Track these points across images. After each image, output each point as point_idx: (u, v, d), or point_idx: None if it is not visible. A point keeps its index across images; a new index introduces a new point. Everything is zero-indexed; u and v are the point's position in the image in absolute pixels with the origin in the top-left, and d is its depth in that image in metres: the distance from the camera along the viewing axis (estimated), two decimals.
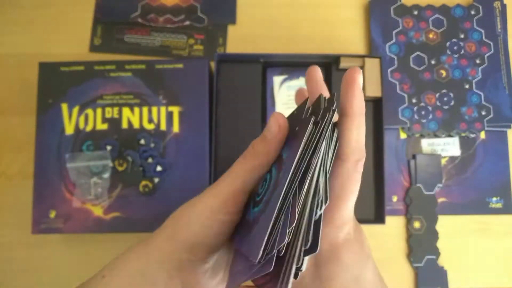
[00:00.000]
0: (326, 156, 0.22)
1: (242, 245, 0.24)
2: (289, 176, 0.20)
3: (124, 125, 0.50)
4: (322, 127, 0.21)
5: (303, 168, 0.21)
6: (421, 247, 0.52)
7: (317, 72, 0.29)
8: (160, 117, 0.50)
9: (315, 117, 0.21)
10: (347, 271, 0.23)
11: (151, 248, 0.26)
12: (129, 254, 0.27)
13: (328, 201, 0.22)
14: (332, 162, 0.23)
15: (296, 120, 0.24)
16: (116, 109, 0.51)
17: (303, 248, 0.20)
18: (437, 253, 0.52)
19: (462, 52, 0.55)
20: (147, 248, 0.26)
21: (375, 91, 0.49)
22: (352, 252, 0.23)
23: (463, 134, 0.54)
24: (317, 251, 0.21)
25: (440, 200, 0.54)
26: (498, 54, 0.55)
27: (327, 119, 0.21)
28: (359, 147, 0.23)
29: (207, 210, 0.25)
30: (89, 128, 0.50)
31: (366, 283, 0.23)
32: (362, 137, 0.23)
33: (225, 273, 0.29)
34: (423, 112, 0.54)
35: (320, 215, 0.22)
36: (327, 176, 0.22)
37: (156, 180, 0.49)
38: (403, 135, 0.55)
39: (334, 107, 0.22)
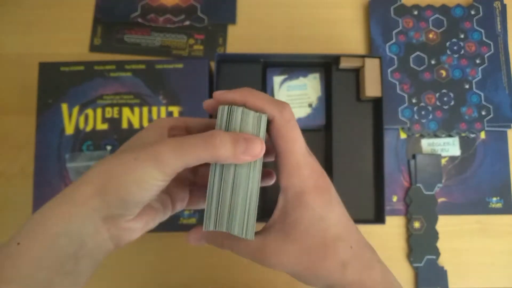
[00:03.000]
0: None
1: None
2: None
3: (124, 125, 0.50)
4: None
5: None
6: (421, 247, 0.52)
7: (221, 95, 0.27)
8: (160, 117, 0.50)
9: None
10: (312, 211, 0.25)
11: (76, 204, 0.24)
12: (48, 213, 0.24)
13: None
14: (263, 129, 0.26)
15: None
16: (116, 109, 0.51)
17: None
18: (437, 253, 0.52)
19: (462, 52, 0.55)
20: (70, 204, 0.24)
21: (375, 91, 0.49)
22: (316, 196, 0.25)
23: (463, 134, 0.54)
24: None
25: (440, 200, 0.54)
26: (498, 54, 0.55)
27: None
28: (272, 101, 0.26)
29: (146, 178, 0.24)
30: (89, 128, 0.50)
31: (331, 221, 0.26)
32: (268, 97, 0.26)
33: (154, 210, 0.29)
34: (423, 112, 0.54)
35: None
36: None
37: None
38: (403, 135, 0.55)
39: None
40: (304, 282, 0.26)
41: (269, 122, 0.26)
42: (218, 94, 0.27)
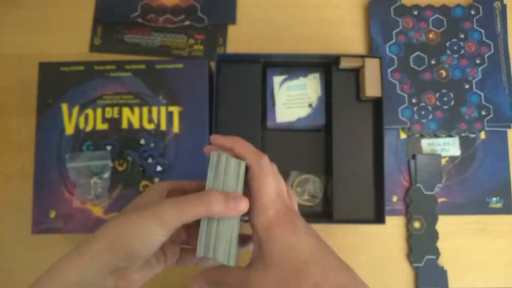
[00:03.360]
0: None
1: None
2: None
3: (124, 125, 0.50)
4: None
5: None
6: (421, 247, 0.52)
7: (215, 139, 0.33)
8: (160, 117, 0.50)
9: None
10: (280, 242, 0.29)
11: (90, 257, 0.28)
12: (63, 264, 0.28)
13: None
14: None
15: None
16: (116, 109, 0.51)
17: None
18: (437, 253, 0.52)
19: (462, 52, 0.55)
20: (85, 257, 0.28)
21: (375, 91, 0.49)
22: (281, 229, 0.29)
23: (463, 134, 0.54)
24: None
25: (440, 200, 0.54)
26: (498, 54, 0.55)
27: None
28: (254, 151, 0.31)
29: (151, 233, 0.28)
30: (89, 128, 0.50)
31: (300, 247, 0.29)
32: (251, 147, 0.31)
33: (151, 264, 0.33)
34: (423, 112, 0.54)
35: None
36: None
37: (156, 180, 0.49)
38: (403, 135, 0.55)
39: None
40: None
41: (248, 168, 0.31)
42: (213, 138, 0.33)
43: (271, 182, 0.31)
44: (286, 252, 0.28)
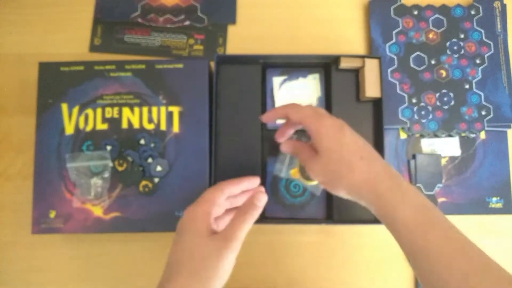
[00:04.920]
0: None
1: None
2: None
3: (124, 125, 0.50)
4: None
5: None
6: None
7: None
8: (160, 117, 0.50)
9: None
10: (328, 137, 0.38)
11: None
12: None
13: None
14: None
15: None
16: (116, 109, 0.51)
17: None
18: None
19: (462, 52, 0.55)
20: None
21: (375, 91, 0.49)
22: (329, 129, 0.38)
23: (463, 134, 0.54)
24: None
25: (440, 200, 0.54)
26: (498, 54, 0.55)
27: None
28: (309, 115, 0.39)
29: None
30: (89, 128, 0.50)
31: (345, 140, 0.38)
32: (305, 111, 0.40)
33: None
34: (423, 112, 0.54)
35: None
36: None
37: (156, 180, 0.49)
38: (403, 135, 0.55)
39: None
40: (332, 186, 0.39)
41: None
42: (265, 117, 0.43)
43: (326, 126, 0.38)
44: (334, 143, 0.37)
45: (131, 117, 0.50)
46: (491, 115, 0.54)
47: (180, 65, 0.51)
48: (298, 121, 0.40)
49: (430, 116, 0.54)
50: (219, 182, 0.41)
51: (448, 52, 0.55)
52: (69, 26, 0.58)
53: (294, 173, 0.48)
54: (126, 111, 0.50)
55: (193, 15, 0.58)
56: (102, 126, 0.50)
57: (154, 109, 0.50)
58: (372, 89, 0.49)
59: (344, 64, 0.50)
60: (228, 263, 0.35)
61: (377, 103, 0.51)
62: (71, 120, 0.50)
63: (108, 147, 0.50)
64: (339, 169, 0.37)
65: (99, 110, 0.50)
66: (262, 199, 0.39)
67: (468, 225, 0.54)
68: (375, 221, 0.50)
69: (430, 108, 0.54)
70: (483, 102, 0.54)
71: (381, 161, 0.38)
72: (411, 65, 0.55)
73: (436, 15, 0.57)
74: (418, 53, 0.55)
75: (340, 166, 0.37)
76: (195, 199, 0.39)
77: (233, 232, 0.36)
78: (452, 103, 0.54)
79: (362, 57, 0.50)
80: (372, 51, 0.56)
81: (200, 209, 0.38)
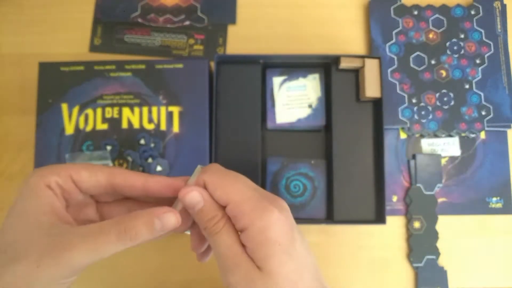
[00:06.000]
0: None
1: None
2: None
3: (124, 125, 0.50)
4: None
5: None
6: (421, 247, 0.52)
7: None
8: (160, 117, 0.50)
9: None
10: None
11: None
12: None
13: None
14: None
15: None
16: (116, 109, 0.51)
17: None
18: (437, 253, 0.52)
19: (462, 52, 0.55)
20: None
21: (374, 91, 0.49)
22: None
23: (463, 134, 0.54)
24: None
25: (440, 200, 0.54)
26: (498, 54, 0.55)
27: None
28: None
29: (58, 279, 0.23)
30: (89, 128, 0.50)
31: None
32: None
33: None
34: (423, 112, 0.54)
35: None
36: None
37: None
38: (403, 135, 0.55)
39: None
40: None
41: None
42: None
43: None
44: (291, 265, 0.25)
45: (131, 117, 0.50)
46: (491, 115, 0.54)
47: (180, 65, 0.51)
48: (230, 211, 0.26)
49: (430, 116, 0.54)
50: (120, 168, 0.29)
51: (448, 52, 0.55)
52: (69, 26, 0.58)
53: None
54: (126, 111, 0.50)
55: (193, 15, 0.58)
56: (102, 126, 0.50)
57: (154, 109, 0.50)
58: (372, 89, 0.49)
59: (344, 64, 0.50)
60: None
61: (377, 103, 0.51)
62: (71, 120, 0.50)
63: (108, 147, 0.50)
64: None
65: (99, 110, 0.50)
66: (168, 222, 0.25)
67: (468, 225, 0.54)
68: (375, 221, 0.50)
69: (430, 108, 0.54)
70: (483, 102, 0.54)
71: None
72: (411, 65, 0.55)
73: (436, 15, 0.57)
74: (418, 53, 0.55)
75: None
76: None
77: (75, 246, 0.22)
78: (452, 103, 0.54)
79: (362, 57, 0.50)
80: (372, 51, 0.56)
81: (56, 171, 0.26)
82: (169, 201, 0.29)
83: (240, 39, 0.58)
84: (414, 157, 0.54)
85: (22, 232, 0.24)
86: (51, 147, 0.50)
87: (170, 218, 0.24)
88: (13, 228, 0.24)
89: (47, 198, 0.26)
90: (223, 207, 0.27)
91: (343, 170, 0.50)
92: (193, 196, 0.26)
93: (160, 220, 0.24)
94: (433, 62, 0.55)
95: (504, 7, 0.57)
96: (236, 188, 0.26)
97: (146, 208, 0.25)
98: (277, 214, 0.25)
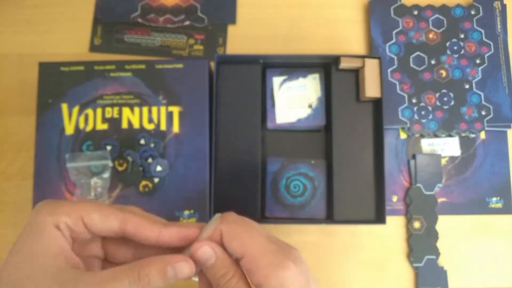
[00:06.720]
0: None
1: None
2: None
3: (124, 125, 0.50)
4: None
5: None
6: (421, 247, 0.52)
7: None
8: (160, 117, 0.50)
9: None
10: None
11: None
12: None
13: None
14: None
15: None
16: (116, 109, 0.51)
17: None
18: (437, 253, 0.52)
19: (462, 52, 0.55)
20: None
21: (374, 91, 0.49)
22: None
23: (463, 134, 0.54)
24: None
25: (440, 200, 0.54)
26: (498, 54, 0.55)
27: None
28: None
29: None
30: (89, 128, 0.50)
31: None
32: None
33: None
34: (423, 112, 0.54)
35: None
36: None
37: (156, 180, 0.49)
38: (403, 135, 0.55)
39: None
40: None
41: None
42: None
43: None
44: None
45: (131, 117, 0.50)
46: (491, 115, 0.54)
47: (180, 65, 0.51)
48: (245, 264, 0.26)
49: (430, 116, 0.54)
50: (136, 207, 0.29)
51: (448, 52, 0.55)
52: (69, 26, 0.58)
53: None
54: (126, 111, 0.50)
55: (193, 15, 0.58)
56: (102, 126, 0.50)
57: (154, 109, 0.50)
58: (372, 89, 0.49)
59: (344, 64, 0.50)
60: None
61: (377, 103, 0.51)
62: (71, 120, 0.50)
63: (108, 147, 0.50)
64: None
65: (99, 110, 0.50)
66: (181, 271, 0.24)
67: (468, 225, 0.54)
68: (375, 221, 0.50)
69: (430, 108, 0.54)
70: (483, 102, 0.54)
71: None
72: (411, 65, 0.55)
73: (436, 15, 0.57)
74: (418, 53, 0.55)
75: None
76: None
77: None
78: (452, 103, 0.54)
79: (362, 57, 0.50)
80: (372, 51, 0.56)
81: (66, 211, 0.26)
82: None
83: (240, 39, 0.58)
84: (414, 157, 0.54)
85: (29, 276, 0.23)
86: (51, 147, 0.50)
87: (184, 267, 0.24)
88: (19, 268, 0.23)
89: (56, 239, 0.25)
90: (236, 261, 0.26)
91: (343, 170, 0.50)
92: (205, 251, 0.26)
93: (174, 268, 0.24)
94: (433, 62, 0.55)
95: (504, 7, 0.57)
96: (252, 240, 0.26)
97: (155, 249, 0.25)
98: (293, 269, 0.25)
